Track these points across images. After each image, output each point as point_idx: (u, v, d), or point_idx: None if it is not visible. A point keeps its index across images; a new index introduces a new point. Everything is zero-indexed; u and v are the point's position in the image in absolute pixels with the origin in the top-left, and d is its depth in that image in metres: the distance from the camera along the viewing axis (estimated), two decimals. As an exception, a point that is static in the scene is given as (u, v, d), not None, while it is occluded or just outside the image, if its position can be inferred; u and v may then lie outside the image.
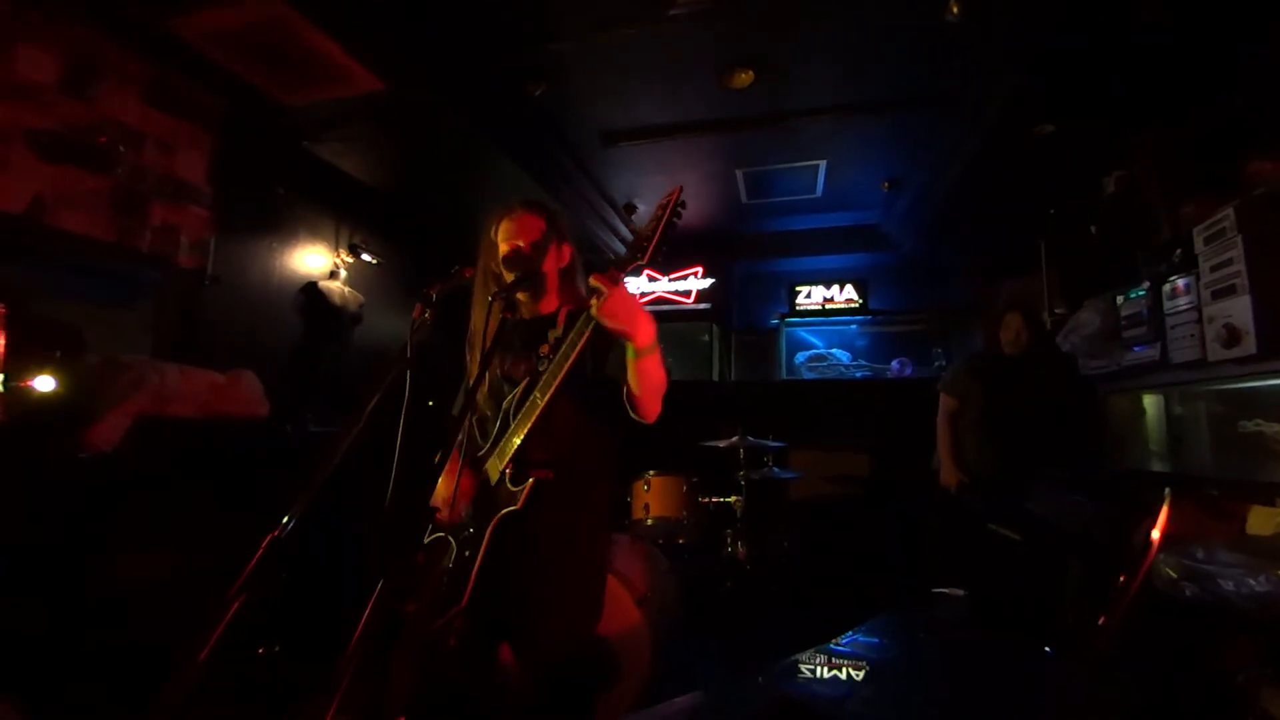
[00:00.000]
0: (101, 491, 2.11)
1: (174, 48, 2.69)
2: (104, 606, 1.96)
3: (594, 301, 1.25)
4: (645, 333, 1.29)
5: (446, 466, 1.26)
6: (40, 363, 2.06)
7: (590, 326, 1.29)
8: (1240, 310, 2.10)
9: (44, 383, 1.98)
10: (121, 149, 2.70)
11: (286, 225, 3.67)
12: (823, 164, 4.20)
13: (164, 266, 2.94)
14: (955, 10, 2.56)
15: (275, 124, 3.31)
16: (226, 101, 3.09)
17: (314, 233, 3.87)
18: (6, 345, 1.95)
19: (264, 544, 1.01)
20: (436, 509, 1.12)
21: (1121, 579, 0.85)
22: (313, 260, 3.84)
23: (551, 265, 1.60)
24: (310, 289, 3.77)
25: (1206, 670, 1.65)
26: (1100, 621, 0.84)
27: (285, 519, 1.04)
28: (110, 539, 2.07)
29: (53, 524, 1.97)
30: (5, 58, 2.31)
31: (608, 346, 1.40)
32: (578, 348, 1.32)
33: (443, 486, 1.42)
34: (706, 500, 3.62)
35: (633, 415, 1.41)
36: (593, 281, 1.25)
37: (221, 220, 3.16)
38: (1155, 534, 0.86)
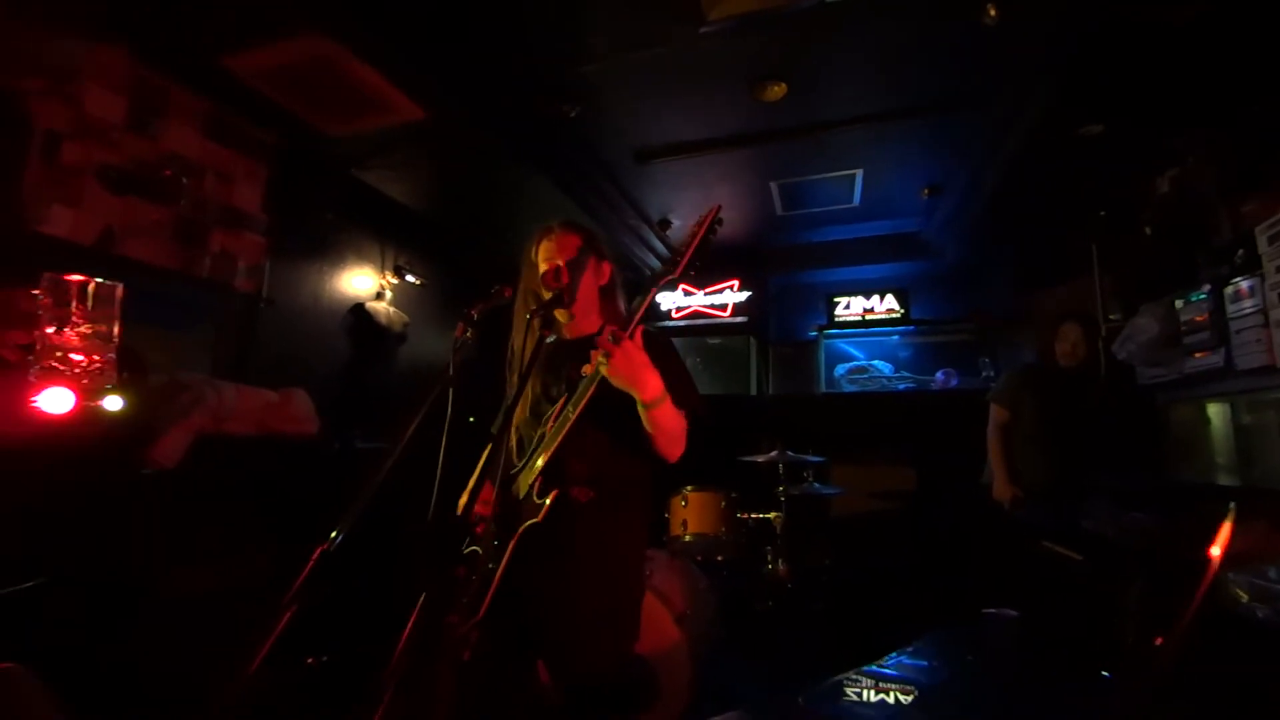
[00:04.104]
0: (164, 506, 2.22)
1: (229, 85, 2.85)
2: (165, 617, 2.05)
3: (600, 360, 1.28)
4: (650, 389, 1.31)
5: (485, 483, 1.29)
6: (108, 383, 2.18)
7: (599, 378, 1.32)
8: (1311, 313, 1.99)
9: (112, 402, 2.09)
10: (184, 181, 2.87)
11: (335, 249, 3.82)
12: (859, 173, 4.15)
13: (222, 291, 3.09)
14: (993, 14, 2.52)
15: (324, 153, 3.47)
16: (279, 134, 3.25)
17: (361, 256, 4.02)
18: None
19: (314, 556, 1.05)
20: (476, 522, 1.14)
21: (1182, 600, 0.81)
22: (360, 282, 3.98)
23: (591, 283, 1.62)
24: (358, 310, 3.91)
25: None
26: (1158, 643, 0.79)
27: (334, 533, 1.08)
28: (171, 552, 2.17)
29: (119, 539, 2.08)
30: (76, 99, 2.48)
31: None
32: (590, 391, 1.35)
33: (486, 502, 1.45)
34: (745, 516, 3.57)
35: (656, 455, 1.43)
36: (598, 342, 1.28)
37: (275, 246, 3.31)
38: (1215, 550, 0.81)
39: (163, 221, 2.80)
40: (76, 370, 2.00)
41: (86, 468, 2.04)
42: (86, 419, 2.00)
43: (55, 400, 1.90)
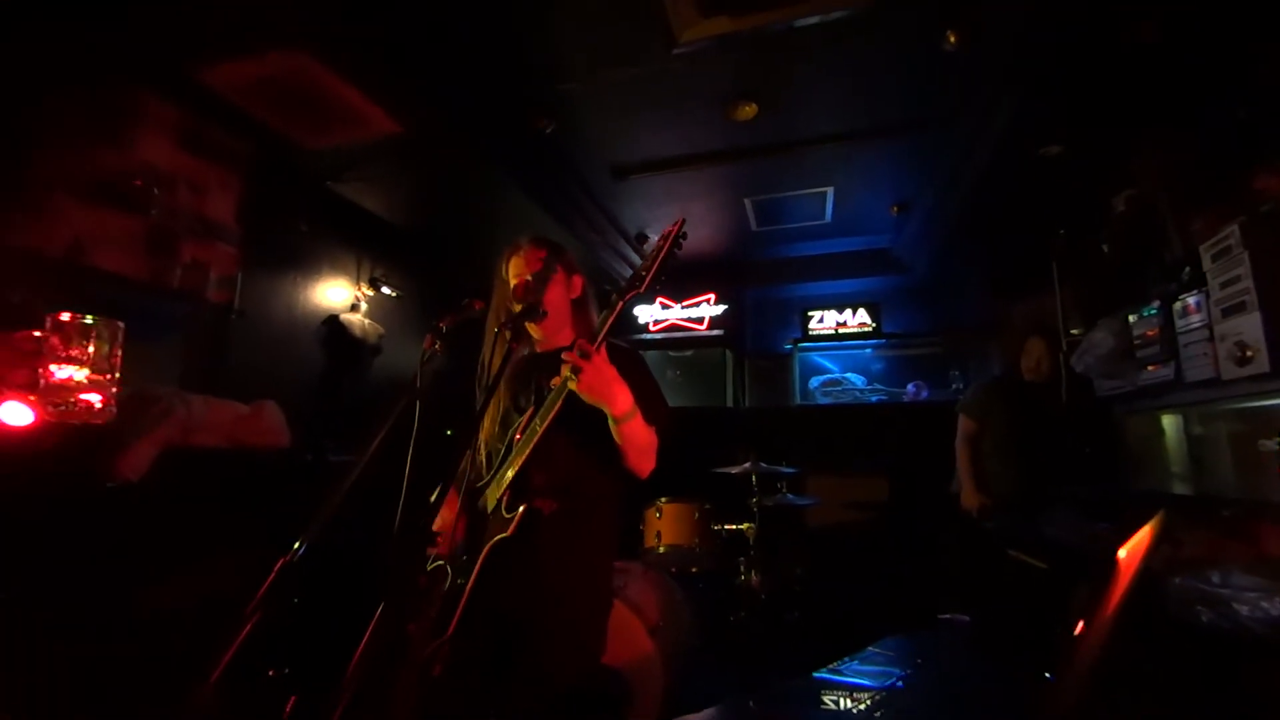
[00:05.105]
0: (128, 520, 2.18)
1: (204, 96, 2.84)
2: (129, 632, 2.01)
3: (567, 374, 1.29)
4: (620, 404, 1.33)
5: (449, 495, 1.30)
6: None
7: (566, 391, 1.33)
8: (1251, 327, 2.08)
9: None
10: (155, 191, 2.84)
11: (310, 261, 3.80)
12: (830, 190, 4.25)
13: (193, 301, 3.06)
14: (953, 39, 2.62)
15: (300, 165, 3.47)
16: (254, 145, 3.24)
17: (336, 267, 4.01)
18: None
19: (275, 568, 1.05)
20: (438, 534, 1.15)
21: (1104, 595, 0.85)
22: (335, 294, 3.97)
23: (562, 297, 1.63)
24: (332, 322, 3.89)
25: (1231, 699, 1.60)
26: (1077, 631, 0.84)
27: (296, 544, 1.09)
28: (135, 567, 2.13)
29: (81, 553, 2.04)
30: (45, 109, 2.46)
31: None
32: (558, 403, 1.35)
33: (446, 515, 1.45)
34: (719, 528, 3.59)
35: (626, 470, 1.45)
36: (565, 356, 1.29)
37: (248, 257, 3.29)
38: (1121, 552, 0.86)
39: (133, 232, 2.78)
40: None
41: (48, 480, 2.00)
42: (49, 431, 1.97)
43: (14, 414, 1.88)
